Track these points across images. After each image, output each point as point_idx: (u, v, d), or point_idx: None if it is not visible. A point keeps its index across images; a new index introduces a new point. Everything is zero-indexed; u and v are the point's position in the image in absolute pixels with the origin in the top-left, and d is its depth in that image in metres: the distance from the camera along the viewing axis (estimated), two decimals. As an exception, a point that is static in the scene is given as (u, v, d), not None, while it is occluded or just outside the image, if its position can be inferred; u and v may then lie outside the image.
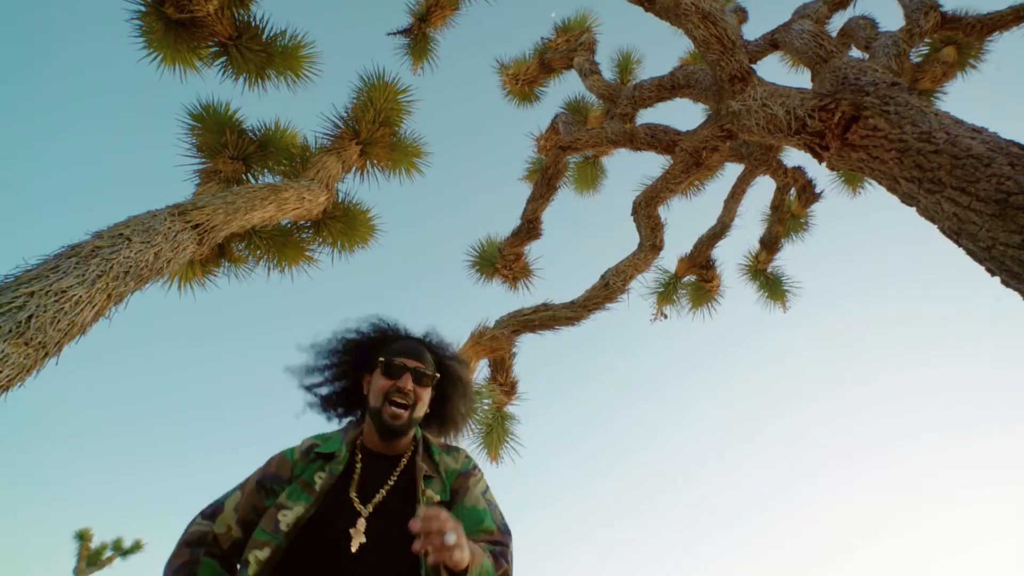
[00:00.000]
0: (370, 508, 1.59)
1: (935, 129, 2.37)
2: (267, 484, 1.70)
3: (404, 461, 1.75)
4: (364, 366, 1.90)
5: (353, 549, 1.50)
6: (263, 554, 1.50)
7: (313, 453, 1.74)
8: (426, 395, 1.82)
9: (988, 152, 2.13)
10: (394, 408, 1.72)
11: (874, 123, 2.63)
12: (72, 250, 2.18)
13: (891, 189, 2.58)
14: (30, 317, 1.85)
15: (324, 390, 1.95)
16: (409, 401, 1.74)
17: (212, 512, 1.72)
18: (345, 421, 1.97)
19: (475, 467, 1.85)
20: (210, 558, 1.65)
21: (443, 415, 1.96)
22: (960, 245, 2.21)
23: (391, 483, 1.68)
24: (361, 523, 1.54)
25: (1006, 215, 1.95)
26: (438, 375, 1.87)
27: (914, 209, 2.48)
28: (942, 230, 2.30)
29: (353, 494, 1.62)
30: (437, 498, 1.66)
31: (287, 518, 1.54)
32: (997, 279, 2.07)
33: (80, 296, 2.02)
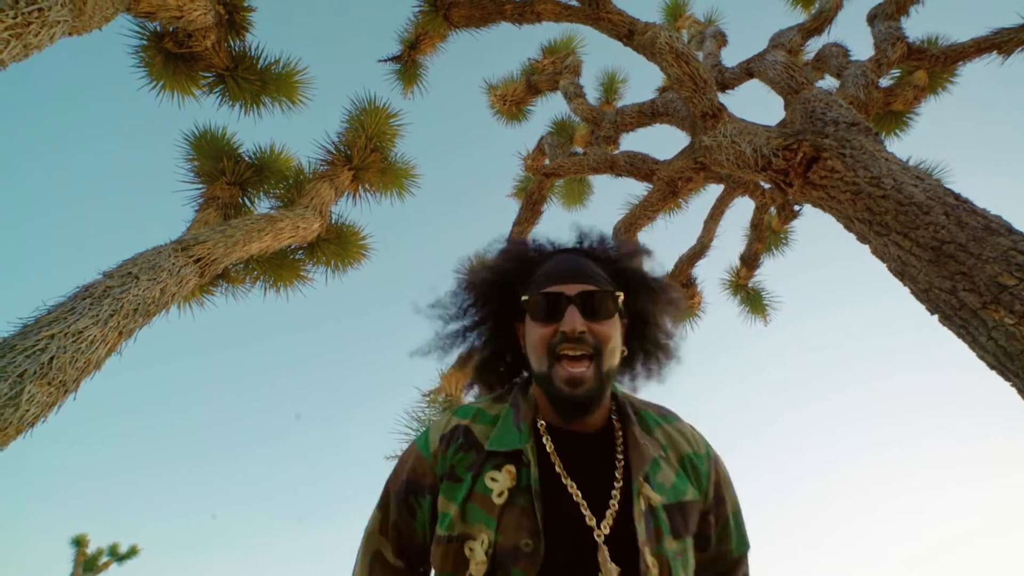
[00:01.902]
0: (607, 526, 1.05)
1: (884, 175, 2.57)
2: (411, 499, 1.20)
3: (620, 438, 1.18)
4: (511, 313, 1.30)
5: None
6: None
7: (465, 439, 1.18)
8: (612, 329, 1.16)
9: (927, 200, 2.33)
10: (569, 369, 1.11)
11: (832, 164, 2.83)
12: (86, 291, 2.35)
13: (847, 228, 2.77)
14: (52, 359, 2.02)
15: (477, 360, 1.35)
16: (589, 348, 1.13)
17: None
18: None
19: (718, 457, 1.27)
20: None
21: (640, 351, 1.32)
22: (904, 284, 2.41)
23: (618, 479, 1.11)
24: (605, 555, 1.02)
25: (940, 261, 2.14)
26: (621, 292, 1.22)
27: (867, 247, 2.68)
28: (890, 269, 2.50)
29: (577, 500, 1.08)
30: (659, 498, 1.09)
31: (477, 555, 1.03)
32: (935, 317, 2.27)
33: (95, 336, 2.20)
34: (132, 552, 12.26)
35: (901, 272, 2.39)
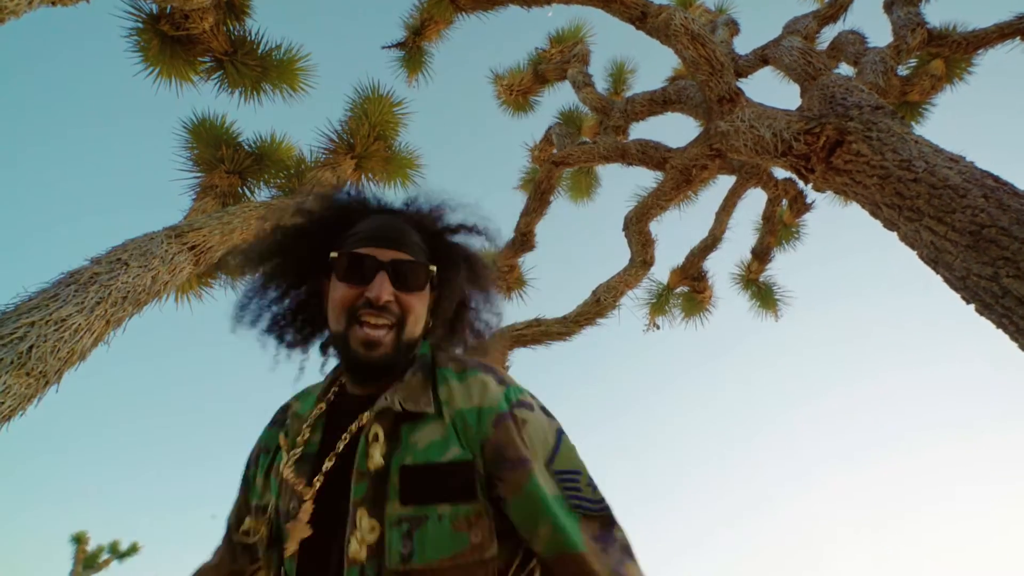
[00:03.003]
0: (314, 487, 1.03)
1: (915, 157, 2.43)
2: (247, 474, 1.23)
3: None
4: (320, 266, 1.19)
5: (287, 553, 1.01)
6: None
7: (287, 416, 1.20)
8: (418, 302, 1.12)
9: (964, 183, 2.19)
10: (367, 330, 1.06)
11: (857, 148, 2.69)
12: (71, 277, 2.23)
13: (874, 214, 2.64)
14: (31, 348, 1.90)
15: (270, 314, 1.23)
16: (392, 318, 1.08)
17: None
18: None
19: (519, 404, 1.07)
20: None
21: (451, 325, 1.24)
22: (937, 272, 2.27)
23: (345, 438, 1.07)
24: (304, 511, 1.01)
25: (979, 247, 2.01)
26: (434, 266, 1.16)
27: (895, 234, 2.54)
28: (921, 257, 2.36)
29: (292, 467, 1.07)
30: (378, 462, 1.00)
31: (257, 522, 1.10)
32: (972, 307, 2.13)
33: (79, 324, 2.08)
34: (132, 550, 12.21)
35: (934, 259, 2.25)
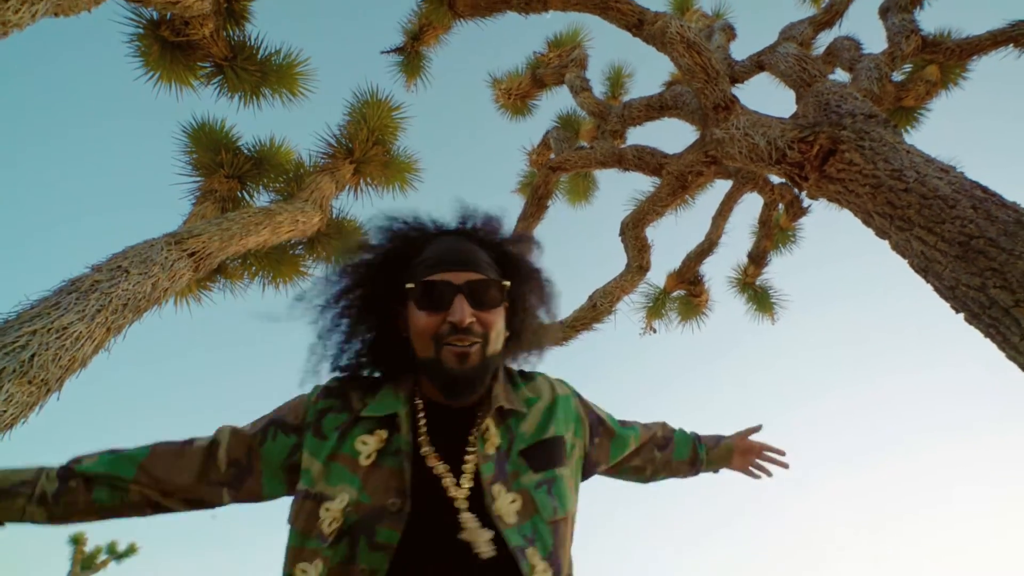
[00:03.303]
0: (466, 487, 1.07)
1: (906, 167, 2.46)
2: (271, 428, 1.21)
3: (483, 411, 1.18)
4: (392, 297, 1.23)
5: (484, 555, 1.00)
6: (316, 570, 1.01)
7: (340, 401, 1.20)
8: (497, 318, 1.17)
9: (953, 194, 2.22)
10: (457, 348, 1.11)
11: (850, 157, 2.72)
12: (72, 285, 2.25)
13: (866, 223, 2.67)
14: (33, 356, 1.93)
15: (348, 353, 1.28)
16: (477, 338, 1.12)
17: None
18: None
19: (572, 389, 1.37)
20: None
21: (516, 335, 1.29)
22: (928, 281, 2.30)
23: (474, 441, 1.13)
24: (469, 519, 1.03)
25: (967, 257, 2.04)
26: (508, 282, 1.20)
27: (887, 243, 2.57)
28: (911, 266, 2.39)
29: (432, 463, 1.09)
30: (496, 443, 1.13)
31: (332, 513, 1.04)
32: (961, 316, 2.16)
33: (80, 332, 2.10)
34: (130, 550, 12.21)
35: (924, 268, 2.29)
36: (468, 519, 1.03)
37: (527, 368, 1.37)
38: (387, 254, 1.27)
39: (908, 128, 5.93)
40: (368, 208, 5.16)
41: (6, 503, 1.12)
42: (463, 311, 1.10)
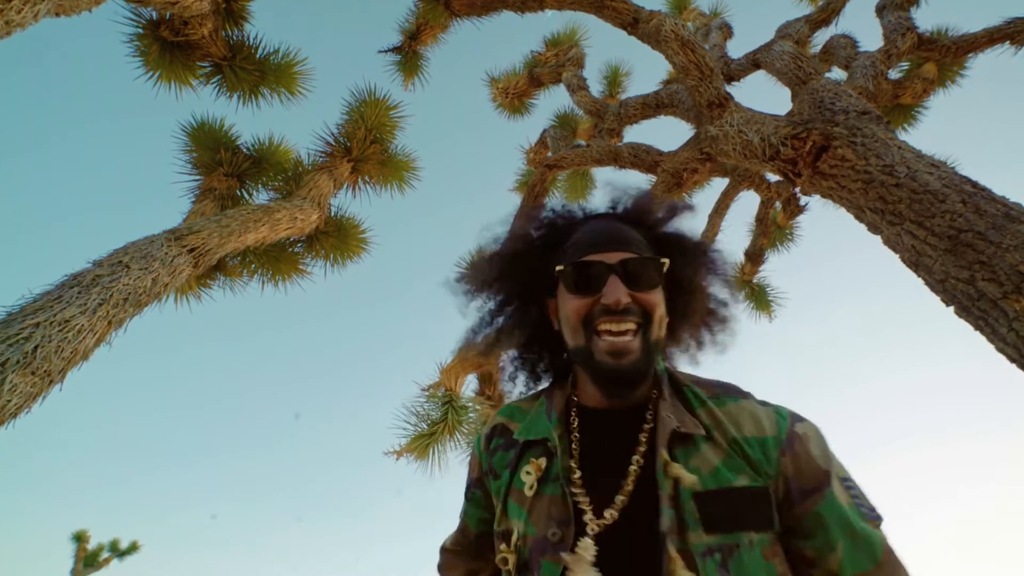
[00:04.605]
0: (608, 518, 0.94)
1: (897, 163, 2.49)
2: (471, 494, 1.23)
3: (649, 417, 1.03)
4: (543, 288, 1.16)
5: None
6: None
7: (503, 439, 1.14)
8: (658, 298, 1.05)
9: (943, 188, 2.25)
10: (611, 339, 0.99)
11: (842, 153, 2.75)
12: (74, 279, 2.28)
13: (858, 218, 2.69)
14: (36, 348, 1.96)
15: (506, 348, 1.22)
16: (635, 319, 1.01)
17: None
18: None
19: (793, 418, 1.02)
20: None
21: (685, 321, 1.17)
22: (918, 275, 2.33)
23: (638, 462, 0.98)
24: (587, 545, 0.92)
25: (957, 251, 2.07)
26: (666, 259, 1.08)
27: (879, 238, 2.60)
28: (902, 260, 2.42)
29: (574, 489, 0.99)
30: (692, 480, 0.93)
31: (506, 551, 1.02)
32: (951, 309, 2.19)
33: (82, 325, 2.13)
34: (133, 548, 12.24)
35: (915, 262, 2.32)
36: (577, 558, 0.91)
37: (704, 376, 1.12)
38: (536, 241, 1.18)
39: (905, 126, 5.96)
40: (367, 207, 5.19)
41: None
42: (618, 291, 0.99)
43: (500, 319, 1.21)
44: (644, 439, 1.00)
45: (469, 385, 4.22)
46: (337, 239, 4.74)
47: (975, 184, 2.24)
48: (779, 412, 1.02)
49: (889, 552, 0.92)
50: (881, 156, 2.57)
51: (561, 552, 0.93)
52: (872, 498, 0.98)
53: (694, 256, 1.16)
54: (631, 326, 1.00)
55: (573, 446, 1.04)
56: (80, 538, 11.62)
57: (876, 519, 0.95)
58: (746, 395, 1.06)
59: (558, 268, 1.08)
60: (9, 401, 1.86)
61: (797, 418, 1.02)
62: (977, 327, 2.06)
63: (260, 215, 3.33)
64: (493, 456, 1.13)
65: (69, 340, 2.08)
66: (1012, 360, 1.93)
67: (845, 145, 2.75)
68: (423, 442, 3.81)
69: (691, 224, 1.22)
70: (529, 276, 1.17)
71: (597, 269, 1.03)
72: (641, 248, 1.07)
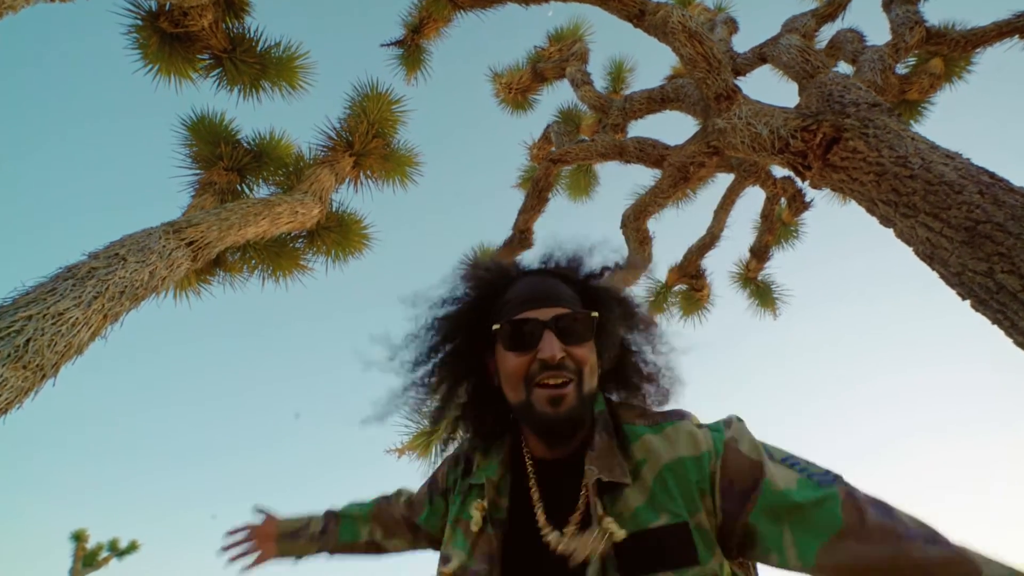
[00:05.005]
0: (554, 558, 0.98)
1: (911, 154, 2.43)
2: (434, 501, 1.34)
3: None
4: (479, 346, 1.21)
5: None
6: None
7: (467, 470, 1.22)
8: (589, 352, 1.10)
9: (959, 179, 2.20)
10: (549, 390, 1.05)
11: (854, 145, 2.69)
12: (69, 271, 2.23)
13: (870, 211, 2.64)
14: (28, 341, 1.90)
15: (444, 410, 1.26)
16: (570, 375, 1.06)
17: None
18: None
19: (727, 429, 1.04)
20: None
21: (621, 373, 1.23)
22: (933, 269, 2.27)
23: (580, 510, 1.03)
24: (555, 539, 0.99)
25: (974, 243, 2.01)
26: (595, 313, 1.13)
27: (891, 231, 2.55)
28: (916, 253, 2.37)
29: (540, 526, 1.03)
30: (619, 534, 0.94)
31: (447, 572, 1.07)
32: (967, 303, 2.14)
33: (77, 318, 2.08)
34: (132, 547, 12.21)
35: (930, 255, 2.26)
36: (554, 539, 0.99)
37: (658, 413, 1.14)
38: (471, 303, 1.23)
39: (912, 121, 5.91)
40: (369, 201, 5.15)
41: (298, 543, 1.51)
42: (552, 346, 1.05)
43: (443, 382, 1.24)
44: (583, 491, 1.04)
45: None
46: (338, 234, 4.69)
47: (992, 175, 2.19)
48: (714, 428, 1.06)
49: (852, 510, 0.87)
50: (894, 147, 2.51)
51: None
52: (822, 464, 0.97)
53: (618, 309, 1.22)
54: (567, 378, 1.05)
55: (532, 490, 1.09)
56: (79, 537, 11.60)
57: (830, 482, 0.92)
58: (685, 416, 1.09)
59: (495, 327, 1.13)
60: (0, 396, 1.81)
61: (726, 423, 1.05)
62: (995, 321, 2.01)
63: (261, 208, 3.28)
64: (457, 482, 1.23)
65: (63, 334, 2.03)
66: (1032, 355, 1.88)
67: (857, 137, 2.69)
68: (425, 440, 3.76)
69: (616, 280, 1.28)
70: (467, 335, 1.21)
71: (532, 326, 1.08)
72: (572, 304, 1.13)
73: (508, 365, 1.10)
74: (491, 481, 1.12)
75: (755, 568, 1.09)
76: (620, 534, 0.93)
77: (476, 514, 1.08)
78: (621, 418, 1.12)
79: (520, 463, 1.14)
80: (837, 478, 0.93)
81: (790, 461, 0.97)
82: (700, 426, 1.06)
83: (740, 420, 1.06)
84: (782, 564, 0.89)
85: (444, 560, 1.10)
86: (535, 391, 1.06)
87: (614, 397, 1.24)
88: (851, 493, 0.89)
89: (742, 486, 0.95)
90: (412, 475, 3.86)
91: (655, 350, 1.27)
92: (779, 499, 0.91)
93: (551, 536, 0.99)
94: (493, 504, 1.09)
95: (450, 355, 1.23)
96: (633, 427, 1.09)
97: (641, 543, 0.93)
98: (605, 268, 1.28)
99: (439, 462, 1.36)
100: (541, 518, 1.03)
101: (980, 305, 2.04)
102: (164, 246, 2.60)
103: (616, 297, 1.23)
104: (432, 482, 1.35)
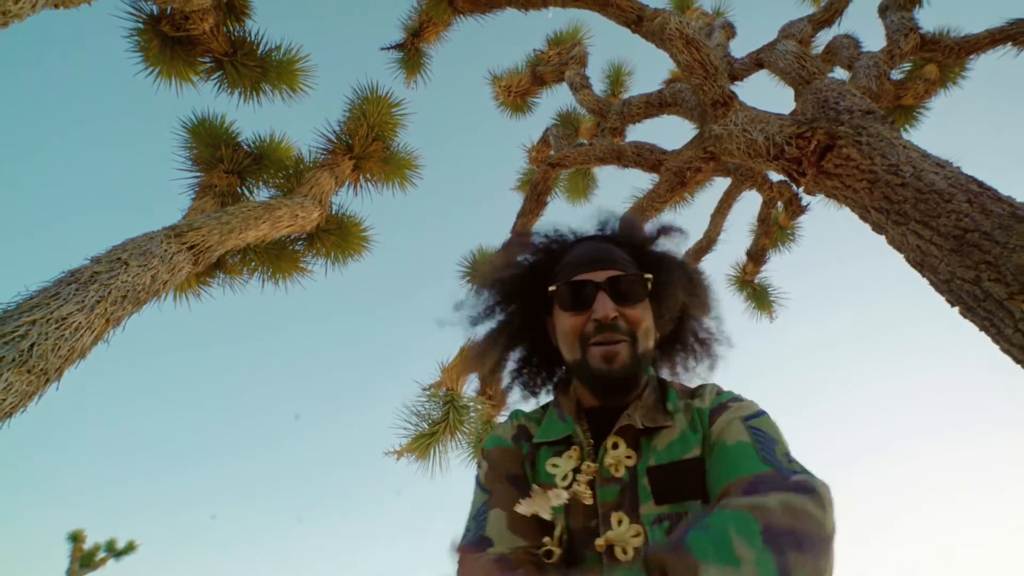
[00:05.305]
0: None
1: (903, 162, 2.47)
2: (517, 477, 1.18)
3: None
4: (539, 308, 1.26)
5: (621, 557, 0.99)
6: None
7: (526, 440, 1.20)
8: (644, 313, 1.14)
9: (949, 188, 2.23)
10: (604, 347, 1.09)
11: (847, 152, 2.73)
12: (71, 275, 2.26)
13: (863, 217, 2.68)
14: (32, 345, 1.94)
15: (513, 366, 1.31)
16: (623, 335, 1.10)
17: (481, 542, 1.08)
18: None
19: (734, 399, 1.13)
20: None
21: (677, 337, 1.29)
22: (923, 276, 2.31)
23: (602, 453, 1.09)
24: (619, 526, 1.01)
25: (963, 251, 2.05)
26: (650, 274, 1.17)
27: (883, 238, 2.58)
28: (907, 260, 2.40)
29: (586, 481, 1.07)
30: (628, 461, 1.04)
31: (550, 544, 1.04)
32: (956, 309, 2.17)
33: (80, 322, 2.11)
34: (129, 548, 12.20)
35: (920, 263, 2.30)
36: (619, 534, 1.00)
37: (697, 380, 1.24)
38: (531, 267, 1.28)
39: (907, 126, 5.95)
40: (368, 203, 5.17)
41: None
42: (606, 307, 1.09)
43: (503, 339, 1.30)
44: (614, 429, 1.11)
45: (471, 384, 4.20)
46: (338, 237, 4.72)
47: (981, 184, 2.23)
48: (727, 392, 1.16)
49: (765, 471, 0.93)
50: (886, 155, 2.55)
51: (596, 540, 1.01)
52: (795, 463, 0.97)
53: (675, 272, 1.25)
54: (621, 338, 1.10)
55: (586, 445, 1.13)
56: (76, 538, 11.59)
57: (781, 469, 0.94)
58: (706, 385, 1.20)
59: (551, 289, 1.18)
60: (4, 400, 1.84)
61: (739, 398, 1.14)
62: (982, 328, 2.04)
63: (261, 212, 3.31)
64: (520, 448, 1.20)
65: (66, 338, 2.06)
66: (1017, 361, 1.91)
67: (850, 144, 2.73)
68: (424, 442, 3.79)
69: (676, 244, 1.33)
70: (527, 298, 1.27)
71: (587, 287, 1.13)
72: (627, 266, 1.17)
73: (564, 325, 1.15)
74: (576, 432, 1.14)
75: None
76: (624, 463, 1.05)
77: (563, 468, 1.09)
78: (669, 384, 1.20)
79: (579, 417, 1.18)
80: (796, 484, 0.89)
81: (760, 435, 1.01)
82: (726, 390, 1.17)
83: (750, 402, 1.12)
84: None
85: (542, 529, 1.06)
86: (590, 350, 1.10)
87: (666, 369, 1.31)
88: (769, 510, 0.83)
89: (713, 436, 1.06)
90: (410, 477, 3.88)
91: (711, 314, 1.32)
92: (724, 448, 1.01)
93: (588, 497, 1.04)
94: (581, 456, 1.11)
95: (511, 316, 1.29)
96: (674, 394, 1.17)
97: (672, 472, 1.03)
98: (662, 231, 1.32)
99: (493, 460, 1.21)
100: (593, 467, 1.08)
101: (968, 312, 2.08)
102: (166, 250, 2.63)
103: (673, 261, 1.27)
104: (499, 478, 1.17)
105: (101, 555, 11.83)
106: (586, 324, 1.12)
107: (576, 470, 1.09)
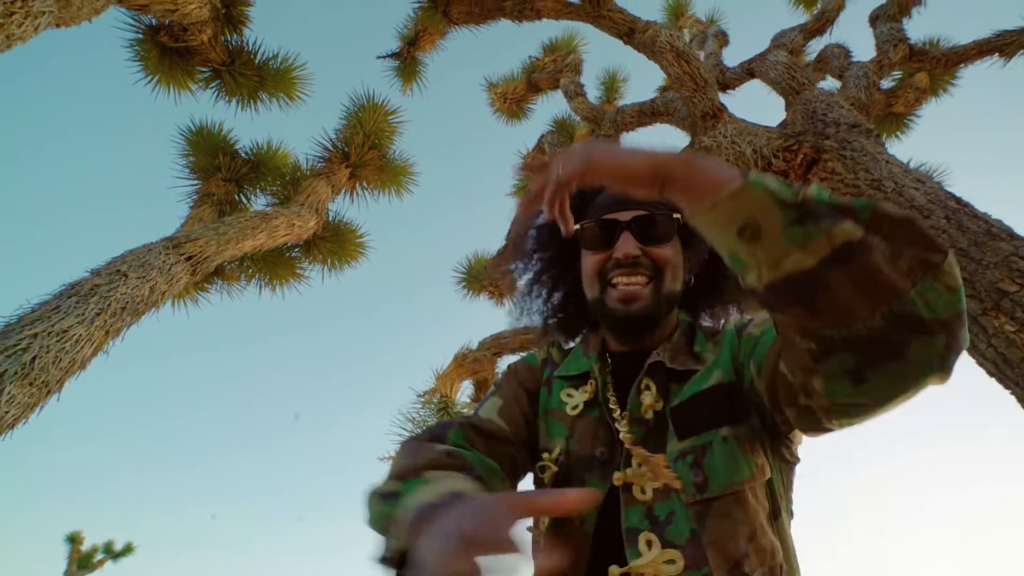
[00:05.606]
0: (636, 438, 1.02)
1: (885, 177, 2.53)
2: (530, 389, 1.21)
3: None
4: (573, 251, 1.24)
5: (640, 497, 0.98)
6: (543, 521, 1.07)
7: (549, 368, 1.22)
8: (671, 252, 1.11)
9: (928, 204, 2.30)
10: (621, 287, 1.08)
11: (832, 166, 2.80)
12: (72, 288, 2.31)
13: (846, 230, 2.73)
14: (34, 359, 1.99)
15: (544, 310, 1.30)
16: (646, 272, 1.08)
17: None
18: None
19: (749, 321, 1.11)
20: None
21: (711, 280, 1.23)
22: (904, 289, 2.37)
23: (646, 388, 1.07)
24: (639, 452, 1.00)
25: (940, 267, 2.11)
26: (678, 214, 1.11)
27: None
28: (889, 273, 2.46)
29: (619, 415, 1.05)
30: (652, 404, 1.03)
31: (547, 462, 1.07)
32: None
33: (80, 335, 2.16)
34: (127, 550, 12.22)
35: (901, 277, 2.36)
36: (656, 461, 0.97)
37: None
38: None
39: (898, 133, 6.01)
40: (364, 212, 5.22)
41: None
42: (627, 245, 1.06)
43: (541, 286, 1.29)
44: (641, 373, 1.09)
45: (464, 391, 4.26)
46: (335, 244, 4.77)
47: (959, 200, 2.29)
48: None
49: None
50: (870, 170, 2.61)
51: (613, 472, 1.00)
52: None
53: None
54: (642, 279, 1.08)
55: (608, 381, 1.11)
56: (74, 539, 11.59)
57: None
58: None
59: (575, 228, 1.08)
60: (7, 412, 1.89)
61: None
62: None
63: (258, 222, 3.36)
64: (543, 372, 1.21)
65: (67, 350, 2.11)
66: (991, 374, 1.97)
67: (835, 158, 2.79)
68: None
69: None
70: (560, 240, 1.24)
71: (611, 226, 1.10)
72: (656, 206, 1.11)
73: (586, 263, 1.13)
74: (593, 368, 1.13)
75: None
76: (650, 404, 1.03)
77: (573, 399, 1.11)
78: (699, 328, 1.18)
79: (602, 356, 1.17)
80: None
81: None
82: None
83: None
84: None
85: (544, 450, 1.09)
86: (608, 289, 1.09)
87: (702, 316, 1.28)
88: None
89: (740, 343, 1.05)
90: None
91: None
92: (748, 341, 1.02)
93: (621, 425, 1.04)
94: (596, 390, 1.11)
95: (547, 262, 1.28)
96: (701, 338, 1.14)
97: (693, 404, 1.01)
98: None
99: (510, 368, 1.27)
100: (612, 401, 1.08)
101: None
102: (164, 261, 2.68)
103: None
104: (516, 383, 1.21)
105: (99, 557, 11.85)
106: (606, 262, 1.09)
107: (588, 403, 1.10)
